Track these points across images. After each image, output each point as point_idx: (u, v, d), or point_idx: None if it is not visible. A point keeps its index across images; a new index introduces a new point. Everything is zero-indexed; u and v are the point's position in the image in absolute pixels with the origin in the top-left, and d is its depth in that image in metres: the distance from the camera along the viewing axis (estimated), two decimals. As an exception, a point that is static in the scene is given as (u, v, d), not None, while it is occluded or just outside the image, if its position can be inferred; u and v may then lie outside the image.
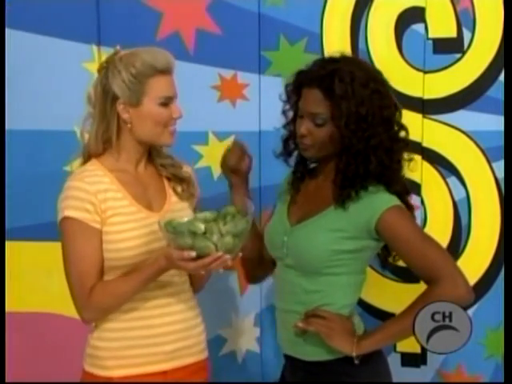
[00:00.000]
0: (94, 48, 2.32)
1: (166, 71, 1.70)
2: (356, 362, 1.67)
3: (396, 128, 1.73)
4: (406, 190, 1.78)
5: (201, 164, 2.34)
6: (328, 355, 1.72)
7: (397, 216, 1.68)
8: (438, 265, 1.67)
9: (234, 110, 2.32)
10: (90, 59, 2.31)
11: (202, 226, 1.58)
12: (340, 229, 1.69)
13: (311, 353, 1.74)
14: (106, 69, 1.70)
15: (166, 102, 1.70)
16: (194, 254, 1.55)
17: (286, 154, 1.86)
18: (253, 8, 2.26)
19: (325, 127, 1.69)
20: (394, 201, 1.69)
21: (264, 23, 2.26)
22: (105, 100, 1.70)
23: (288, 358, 1.82)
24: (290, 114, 1.82)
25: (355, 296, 1.78)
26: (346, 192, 1.69)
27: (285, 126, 1.85)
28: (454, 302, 1.60)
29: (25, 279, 2.47)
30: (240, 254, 1.64)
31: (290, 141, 1.83)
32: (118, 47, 1.73)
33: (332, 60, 1.74)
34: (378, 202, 1.68)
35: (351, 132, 1.66)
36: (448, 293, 1.62)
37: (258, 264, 1.95)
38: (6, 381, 2.11)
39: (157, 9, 2.30)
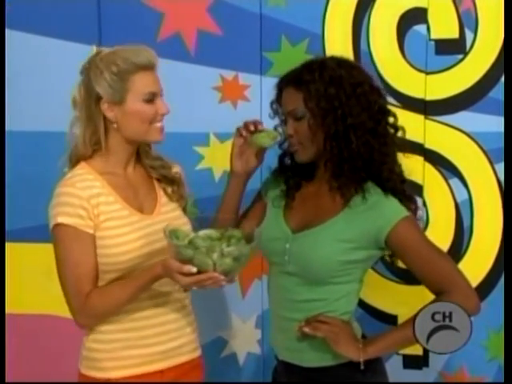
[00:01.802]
0: (95, 49, 2.31)
1: (148, 67, 1.68)
2: (362, 367, 1.65)
3: (376, 107, 1.68)
4: (404, 187, 1.73)
5: (202, 165, 2.34)
6: (327, 361, 1.71)
7: (408, 228, 1.66)
8: (449, 277, 1.67)
9: (235, 111, 2.32)
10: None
11: (203, 244, 1.58)
12: (348, 239, 1.66)
13: (310, 359, 1.73)
14: (87, 70, 1.69)
15: (151, 99, 1.68)
16: (194, 269, 1.54)
17: (281, 169, 1.84)
18: (254, 9, 2.25)
19: (305, 120, 1.67)
20: (404, 212, 1.66)
21: (265, 24, 2.26)
22: (89, 101, 1.69)
23: (284, 363, 1.79)
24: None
25: (355, 302, 1.76)
26: (341, 181, 1.66)
27: (280, 146, 1.83)
28: (468, 312, 1.59)
29: (24, 281, 2.47)
30: (236, 278, 1.63)
31: (287, 156, 1.82)
32: (97, 48, 1.72)
33: (304, 61, 1.74)
34: (389, 212, 1.66)
35: (325, 112, 1.64)
36: (465, 302, 1.61)
37: None
38: (6, 381, 2.11)
39: (158, 9, 2.30)
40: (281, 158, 1.85)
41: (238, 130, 1.79)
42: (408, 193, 1.73)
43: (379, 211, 1.66)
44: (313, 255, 1.68)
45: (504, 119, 2.03)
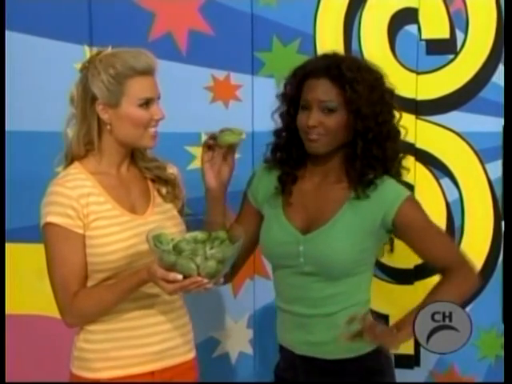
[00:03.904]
0: (86, 49, 2.31)
1: (147, 72, 1.68)
2: (397, 350, 1.68)
3: (399, 116, 1.77)
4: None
5: (193, 165, 2.33)
6: (351, 352, 1.73)
7: (412, 207, 1.71)
8: (451, 252, 1.77)
9: (226, 111, 2.31)
10: (83, 60, 2.28)
11: (187, 247, 1.57)
12: (359, 229, 1.69)
13: (334, 351, 1.74)
14: (86, 69, 1.70)
15: (146, 104, 1.68)
16: (180, 277, 1.54)
17: (275, 163, 1.82)
18: (245, 8, 2.25)
19: (336, 114, 1.68)
20: (405, 191, 1.72)
21: (257, 24, 2.26)
22: (85, 100, 1.69)
23: (303, 358, 1.78)
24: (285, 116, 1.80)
25: (370, 288, 1.79)
26: (366, 179, 1.69)
27: (275, 133, 1.82)
28: (471, 286, 1.74)
29: (17, 281, 2.46)
30: (222, 280, 1.63)
31: (285, 143, 1.80)
32: (110, 48, 1.72)
33: (330, 55, 1.75)
34: (392, 194, 1.70)
35: (367, 117, 1.66)
36: (468, 277, 1.73)
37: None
38: (6, 381, 2.11)
39: (149, 9, 2.29)
40: (274, 151, 1.83)
41: (205, 143, 1.77)
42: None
43: (382, 195, 1.70)
44: (330, 253, 1.69)
45: (504, 119, 2.04)
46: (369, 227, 1.69)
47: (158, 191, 1.82)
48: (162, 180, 1.83)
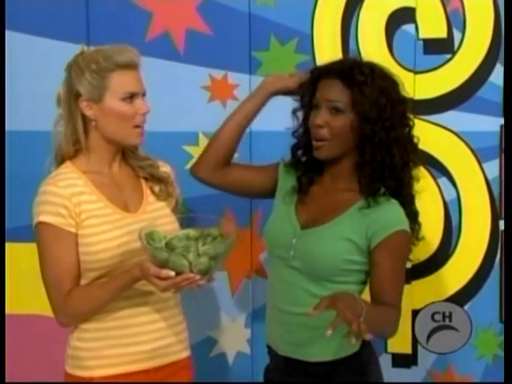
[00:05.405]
0: (84, 48, 2.31)
1: (129, 66, 1.68)
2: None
3: (411, 126, 1.75)
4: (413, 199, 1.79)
5: (191, 164, 2.33)
6: (334, 355, 1.72)
7: (404, 242, 1.69)
8: (398, 298, 1.69)
9: (224, 111, 2.31)
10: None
11: (179, 244, 1.58)
12: (352, 239, 1.68)
13: (316, 353, 1.73)
14: (70, 67, 1.71)
15: (129, 98, 1.68)
16: (172, 273, 1.54)
17: (294, 162, 1.84)
18: (243, 8, 2.26)
19: (343, 115, 1.67)
20: (406, 224, 1.69)
21: (254, 23, 2.26)
22: (69, 99, 1.70)
23: (285, 359, 1.79)
24: (301, 115, 1.81)
25: None
26: (376, 186, 1.69)
27: (293, 133, 1.83)
28: (392, 328, 1.67)
29: (16, 281, 2.46)
30: (214, 278, 1.63)
31: (301, 144, 1.81)
32: (84, 46, 1.73)
33: (348, 58, 1.78)
34: (394, 218, 1.69)
35: (373, 120, 1.66)
36: (395, 321, 1.67)
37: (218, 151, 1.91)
38: (6, 381, 2.11)
39: (146, 9, 2.30)
40: (293, 151, 1.84)
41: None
42: (415, 210, 1.77)
43: (383, 215, 1.68)
44: (318, 252, 1.69)
45: (504, 119, 2.05)
46: (360, 242, 1.68)
47: (151, 189, 1.82)
48: (155, 178, 1.83)
